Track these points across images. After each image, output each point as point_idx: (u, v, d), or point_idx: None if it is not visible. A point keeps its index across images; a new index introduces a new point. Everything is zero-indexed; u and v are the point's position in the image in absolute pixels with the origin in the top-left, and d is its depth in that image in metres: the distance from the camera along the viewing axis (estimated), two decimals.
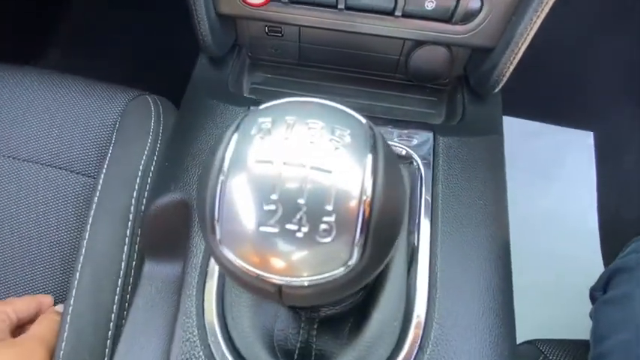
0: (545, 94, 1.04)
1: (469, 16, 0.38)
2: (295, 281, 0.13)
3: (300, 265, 0.13)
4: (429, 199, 0.35)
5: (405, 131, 0.38)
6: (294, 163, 0.12)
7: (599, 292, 0.41)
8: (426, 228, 0.34)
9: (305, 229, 0.12)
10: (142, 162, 0.45)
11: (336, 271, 0.13)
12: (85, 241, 0.40)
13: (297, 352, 0.29)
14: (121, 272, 0.39)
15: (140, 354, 0.33)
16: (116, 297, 0.38)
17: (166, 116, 0.52)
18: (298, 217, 0.12)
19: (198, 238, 0.32)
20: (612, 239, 0.87)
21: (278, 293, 0.14)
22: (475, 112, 0.43)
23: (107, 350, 0.36)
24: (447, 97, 0.48)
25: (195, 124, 0.38)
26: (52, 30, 1.06)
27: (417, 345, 0.28)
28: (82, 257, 0.39)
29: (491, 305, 0.31)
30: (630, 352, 0.34)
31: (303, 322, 0.32)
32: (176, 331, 0.29)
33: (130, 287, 0.39)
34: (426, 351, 0.28)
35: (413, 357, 0.28)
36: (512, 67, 0.39)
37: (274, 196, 0.12)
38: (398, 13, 0.38)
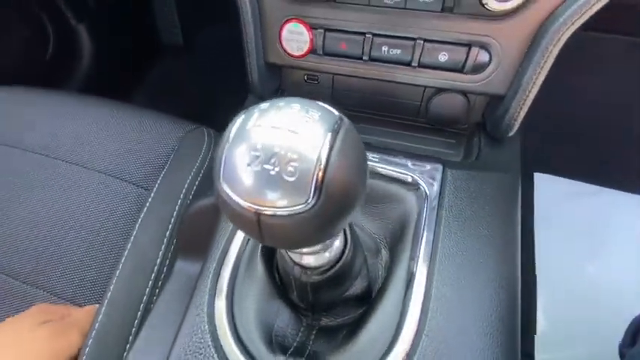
0: (594, 157, 1.01)
1: (479, 68, 0.42)
2: (267, 210, 0.17)
3: (272, 195, 0.17)
4: (432, 226, 0.37)
5: (418, 163, 0.42)
6: (275, 127, 0.18)
7: (627, 347, 0.38)
8: (425, 254, 0.35)
9: (277, 169, 0.17)
10: (189, 178, 0.53)
11: (297, 207, 0.17)
12: (132, 239, 0.46)
13: (292, 349, 0.31)
14: (156, 268, 0.44)
15: (158, 339, 0.37)
16: (147, 289, 0.43)
17: (216, 145, 0.61)
18: (273, 160, 0.17)
19: (220, 236, 0.37)
20: None
21: (257, 225, 0.18)
22: (491, 154, 0.45)
23: (133, 331, 0.41)
24: (466, 141, 0.51)
25: None
26: (141, 76, 1.30)
27: (406, 354, 0.29)
28: (126, 252, 0.45)
29: (487, 330, 0.31)
30: None
31: (303, 327, 0.34)
32: (189, 309, 0.33)
33: (160, 282, 0.44)
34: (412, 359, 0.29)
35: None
36: (522, 113, 0.42)
37: (259, 146, 0.17)
38: (415, 64, 0.44)
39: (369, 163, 0.43)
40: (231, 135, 0.19)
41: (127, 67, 1.29)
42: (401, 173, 0.41)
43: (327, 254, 0.27)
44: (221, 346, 0.30)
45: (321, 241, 0.20)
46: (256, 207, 0.17)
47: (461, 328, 0.30)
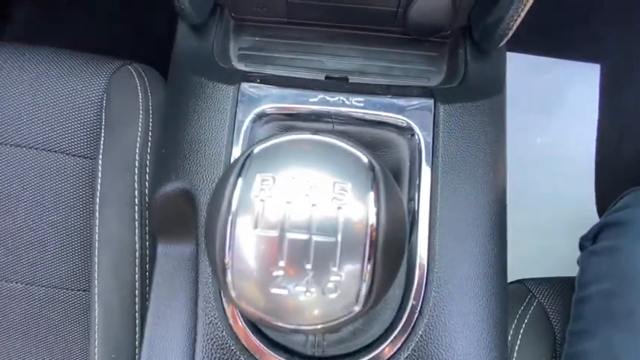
0: (550, 26, 0.98)
1: None
2: (309, 328, 0.14)
3: (311, 316, 0.14)
4: (429, 169, 0.35)
5: (406, 100, 0.37)
6: (298, 229, 0.13)
7: (589, 242, 0.43)
8: (425, 197, 0.34)
9: (313, 290, 0.13)
10: (138, 144, 0.44)
11: (344, 318, 0.14)
12: (97, 227, 0.41)
13: None
14: (137, 253, 0.41)
15: (167, 326, 0.36)
16: (136, 275, 0.41)
17: (154, 88, 0.50)
18: (305, 280, 0.13)
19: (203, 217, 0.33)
20: (610, 177, 0.89)
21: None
22: (478, 71, 0.41)
23: (137, 323, 0.40)
24: (448, 53, 0.45)
25: (186, 107, 0.37)
26: None
27: (418, 310, 0.31)
28: (97, 242, 0.41)
29: (485, 270, 0.33)
30: (609, 300, 0.37)
31: None
32: (198, 314, 0.32)
33: (147, 265, 0.41)
34: (425, 315, 0.31)
35: (413, 321, 0.31)
36: (519, 20, 0.36)
37: (281, 263, 0.13)
38: None
39: (355, 110, 0.37)
40: (230, 235, 0.13)
41: None
42: (391, 117, 0.36)
43: None
44: (238, 334, 0.30)
45: None
46: (294, 327, 0.14)
47: (464, 274, 0.32)
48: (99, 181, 0.44)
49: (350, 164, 0.14)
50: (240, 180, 0.14)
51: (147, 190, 0.42)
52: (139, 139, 0.44)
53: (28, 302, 0.48)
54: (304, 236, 0.13)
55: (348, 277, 0.13)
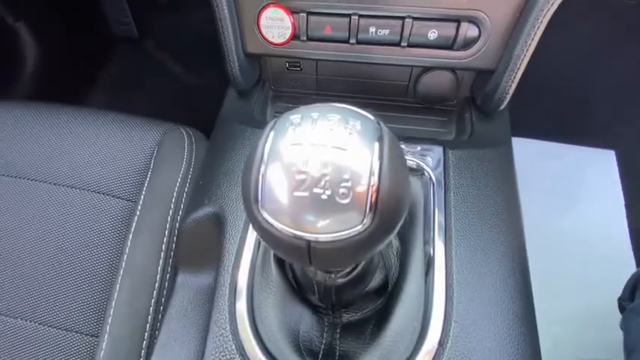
0: (561, 115, 1.06)
1: (469, 43, 0.42)
2: (321, 237, 0.16)
3: (325, 221, 0.16)
4: (442, 209, 0.37)
5: (418, 147, 0.41)
6: (319, 144, 0.16)
7: (627, 301, 0.40)
8: (440, 237, 0.35)
9: (328, 192, 0.15)
10: (177, 185, 0.49)
11: (353, 229, 0.16)
12: (125, 256, 0.43)
13: (321, 352, 0.31)
14: (156, 284, 0.42)
15: (173, 357, 0.35)
16: (151, 308, 0.41)
17: (198, 145, 0.57)
18: (323, 183, 0.15)
19: (229, 245, 0.35)
20: None
21: (307, 252, 0.16)
22: (483, 129, 0.46)
23: (143, 353, 0.38)
24: (456, 117, 0.51)
25: (225, 147, 0.43)
26: (95, 73, 1.19)
27: (437, 342, 0.29)
28: (122, 270, 0.42)
29: (509, 306, 0.32)
30: None
31: (326, 326, 0.33)
32: (210, 327, 0.31)
33: (164, 298, 0.42)
34: (446, 347, 0.29)
35: (434, 354, 0.29)
36: (514, 86, 0.42)
37: (304, 168, 0.16)
38: (404, 44, 0.42)
39: None
40: (265, 155, 0.17)
41: (78, 65, 1.18)
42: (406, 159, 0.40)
43: None
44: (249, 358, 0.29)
45: (369, 257, 0.19)
46: (308, 235, 0.16)
47: (485, 308, 0.31)
48: (135, 219, 0.48)
49: (361, 115, 0.18)
50: (274, 123, 0.18)
51: (178, 224, 0.45)
52: (179, 180, 0.50)
53: (34, 342, 0.48)
54: (323, 148, 0.16)
55: (357, 185, 0.16)
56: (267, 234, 0.17)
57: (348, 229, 0.16)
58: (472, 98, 0.49)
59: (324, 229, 0.16)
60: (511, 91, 0.43)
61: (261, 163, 0.17)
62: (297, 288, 0.33)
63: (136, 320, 0.40)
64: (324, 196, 0.15)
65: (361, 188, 0.15)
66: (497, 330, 0.30)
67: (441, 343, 0.29)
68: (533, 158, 1.07)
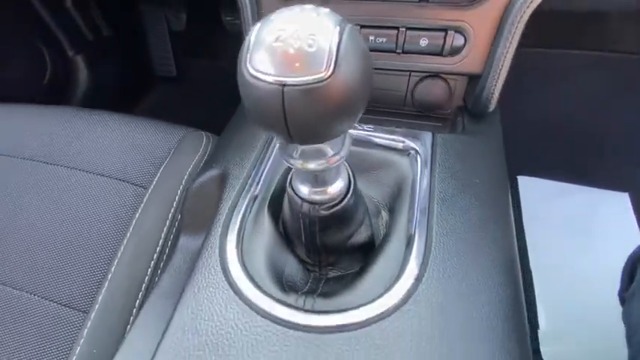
0: (573, 158, 1.08)
1: (456, 50, 0.47)
2: (292, 80, 0.19)
3: (295, 64, 0.19)
4: (426, 188, 0.39)
5: (409, 131, 0.45)
6: (296, 16, 0.21)
7: (626, 291, 0.39)
8: (423, 206, 0.37)
9: (299, 42, 0.19)
10: (189, 169, 0.54)
11: (318, 75, 0.19)
12: (134, 221, 0.47)
13: (304, 290, 0.32)
14: (158, 248, 0.44)
15: (160, 316, 0.36)
16: (149, 269, 0.43)
17: (214, 144, 0.63)
18: (295, 35, 0.19)
19: (225, 201, 0.38)
20: None
21: (282, 106, 0.19)
22: (475, 127, 0.49)
23: (134, 312, 0.40)
24: (450, 122, 0.55)
25: (236, 125, 0.48)
26: (135, 104, 1.34)
27: (414, 277, 0.30)
28: (128, 233, 0.46)
29: (488, 255, 0.32)
30: None
31: (311, 279, 0.35)
32: (199, 259, 0.33)
33: (163, 261, 0.44)
34: (421, 280, 0.30)
35: (409, 286, 0.30)
36: (498, 87, 0.47)
37: (283, 27, 0.20)
38: (399, 50, 0.49)
39: (364, 133, 0.46)
40: (256, 27, 0.21)
41: (122, 96, 1.33)
42: (394, 141, 0.44)
43: (330, 190, 0.29)
44: (234, 281, 0.30)
45: (338, 129, 0.22)
46: (281, 79, 0.19)
47: (463, 261, 0.32)
48: (146, 197, 0.53)
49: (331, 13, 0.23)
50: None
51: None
52: (191, 166, 0.54)
53: (28, 314, 0.50)
54: (296, 17, 0.20)
55: (322, 38, 0.19)
56: (249, 89, 0.20)
57: (313, 75, 0.19)
58: (465, 107, 0.54)
59: (295, 72, 0.19)
60: (496, 93, 0.47)
61: (252, 32, 0.21)
62: (287, 240, 0.35)
63: (133, 279, 0.42)
64: (295, 45, 0.19)
65: (325, 41, 0.19)
66: (475, 277, 0.30)
67: (418, 278, 0.30)
68: (545, 197, 1.06)
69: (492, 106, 0.49)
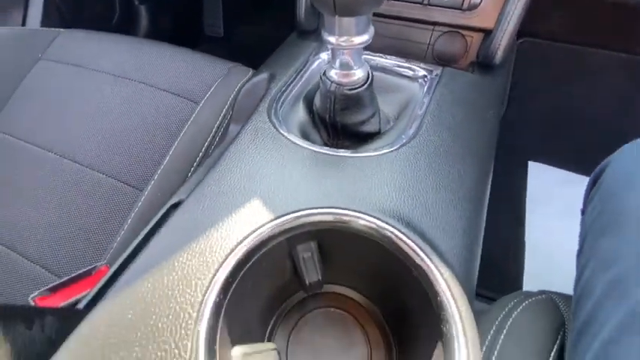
0: (583, 151, 1.13)
1: (474, 5, 0.56)
2: None
3: None
4: (427, 103, 0.48)
5: (421, 64, 0.54)
6: None
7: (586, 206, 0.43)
8: (420, 116, 0.46)
9: None
10: (238, 86, 0.66)
11: None
12: (194, 115, 0.58)
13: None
14: (209, 137, 0.56)
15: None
16: (199, 155, 0.55)
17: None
18: None
19: (272, 91, 0.48)
20: None
21: None
22: (481, 75, 0.58)
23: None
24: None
25: (287, 45, 0.59)
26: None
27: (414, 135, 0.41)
28: (189, 122, 0.57)
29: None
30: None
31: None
32: (249, 119, 0.44)
33: (214, 145, 0.56)
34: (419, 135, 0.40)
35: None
36: (504, 41, 0.55)
37: None
38: (425, 2, 0.58)
39: (383, 60, 0.56)
40: None
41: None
42: (408, 69, 0.53)
43: (353, 74, 0.39)
44: (278, 128, 0.41)
45: (368, 7, 0.31)
46: None
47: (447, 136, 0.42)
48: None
49: None
50: None
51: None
52: (242, 81, 0.66)
53: (96, 187, 0.63)
54: None
55: None
56: None
57: None
58: (477, 62, 0.62)
59: None
60: (502, 46, 0.56)
61: None
62: (314, 124, 0.46)
63: (183, 168, 0.54)
64: None
65: None
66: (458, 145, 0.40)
67: (413, 136, 0.40)
68: (552, 184, 1.12)
69: (498, 60, 0.57)
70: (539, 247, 0.98)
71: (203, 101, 0.67)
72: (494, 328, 0.34)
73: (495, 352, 0.31)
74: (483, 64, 0.60)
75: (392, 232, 0.30)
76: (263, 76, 0.52)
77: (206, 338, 0.23)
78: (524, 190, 1.12)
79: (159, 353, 0.23)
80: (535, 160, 1.17)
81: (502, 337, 0.33)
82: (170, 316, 0.24)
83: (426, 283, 0.28)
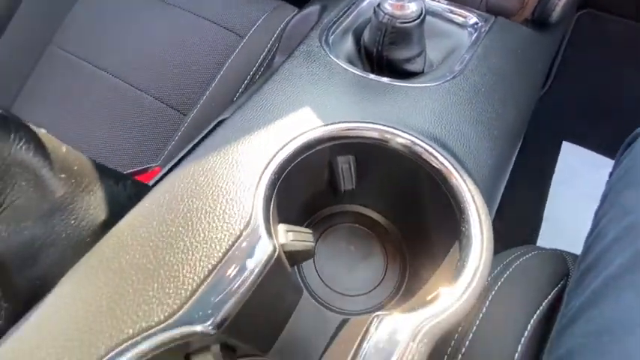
0: (618, 138, 1.08)
1: None
2: None
3: None
4: (472, 53, 0.48)
5: (475, 11, 0.53)
6: None
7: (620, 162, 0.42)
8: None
9: None
10: (285, 20, 0.66)
11: None
12: (234, 54, 0.60)
13: None
14: (254, 67, 0.58)
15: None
16: (245, 83, 0.57)
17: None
18: None
19: (322, 22, 0.49)
20: None
21: None
22: (536, 29, 0.56)
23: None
24: None
25: None
26: None
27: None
28: (233, 55, 0.59)
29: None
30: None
31: None
32: (299, 45, 0.46)
33: (259, 74, 0.58)
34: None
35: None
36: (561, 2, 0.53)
37: None
38: None
39: (435, 4, 0.55)
40: None
41: None
42: (459, 15, 0.53)
43: (410, 6, 0.39)
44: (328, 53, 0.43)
45: None
46: None
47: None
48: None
49: None
50: None
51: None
52: (288, 17, 0.66)
53: (145, 108, 0.66)
54: None
55: None
56: None
57: None
58: (532, 19, 0.60)
59: None
60: (562, 2, 0.54)
61: None
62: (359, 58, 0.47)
63: (226, 97, 0.57)
64: None
65: None
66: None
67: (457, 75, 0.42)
68: (582, 166, 1.10)
69: (554, 18, 0.55)
70: (556, 225, 0.99)
71: (248, 35, 0.68)
72: (500, 266, 0.37)
73: (496, 288, 0.34)
74: (538, 22, 0.58)
75: (425, 149, 0.33)
76: (314, 7, 0.53)
77: (264, 198, 0.28)
78: (553, 168, 1.11)
79: (226, 205, 0.27)
80: (571, 142, 1.14)
81: (507, 274, 0.36)
82: (234, 183, 0.29)
83: (452, 194, 0.31)
